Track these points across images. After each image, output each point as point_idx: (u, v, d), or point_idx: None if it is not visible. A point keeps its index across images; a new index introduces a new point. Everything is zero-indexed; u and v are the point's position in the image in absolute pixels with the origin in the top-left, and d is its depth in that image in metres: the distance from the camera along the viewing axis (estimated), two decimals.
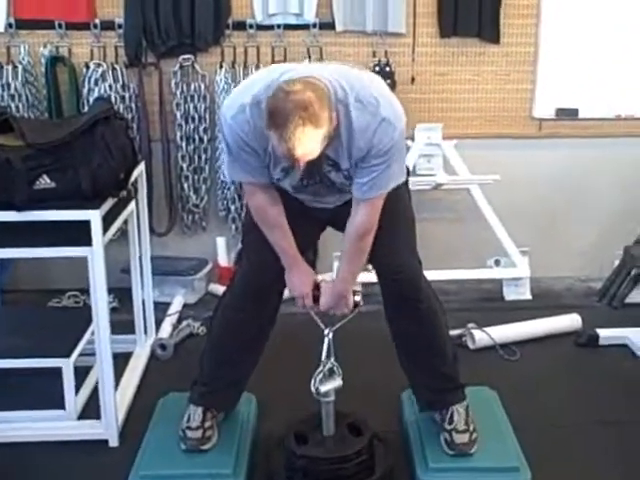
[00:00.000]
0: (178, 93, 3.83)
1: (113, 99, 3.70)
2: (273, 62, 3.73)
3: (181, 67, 3.81)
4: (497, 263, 4.01)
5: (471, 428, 2.54)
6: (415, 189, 3.64)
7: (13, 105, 3.70)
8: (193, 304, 3.88)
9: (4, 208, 2.49)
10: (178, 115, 3.85)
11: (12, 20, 3.72)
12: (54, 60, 3.74)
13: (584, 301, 3.90)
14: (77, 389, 2.78)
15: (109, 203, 2.66)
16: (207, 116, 3.86)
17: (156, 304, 3.50)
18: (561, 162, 4.07)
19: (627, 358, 3.33)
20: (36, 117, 3.77)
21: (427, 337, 2.54)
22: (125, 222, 3.05)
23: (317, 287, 2.42)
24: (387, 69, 3.81)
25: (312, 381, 2.39)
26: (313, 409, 2.48)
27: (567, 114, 4.01)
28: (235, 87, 2.79)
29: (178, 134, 3.88)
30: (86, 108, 3.64)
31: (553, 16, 3.88)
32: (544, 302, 3.92)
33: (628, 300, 3.34)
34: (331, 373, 2.40)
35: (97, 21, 3.74)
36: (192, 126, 3.88)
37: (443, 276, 3.82)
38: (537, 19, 3.89)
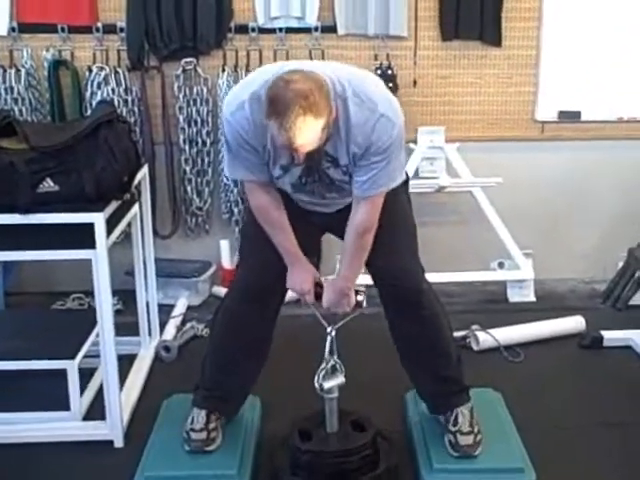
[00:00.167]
0: (181, 96, 3.84)
1: (116, 102, 3.70)
2: None
3: (183, 70, 3.82)
4: (501, 265, 4.01)
5: (476, 430, 2.54)
6: (418, 192, 3.68)
7: (16, 109, 3.70)
8: (197, 306, 3.89)
9: (8, 211, 2.49)
10: (181, 118, 3.86)
11: (15, 24, 3.73)
12: (57, 64, 3.75)
13: (588, 303, 3.90)
14: (82, 390, 2.78)
15: (113, 206, 2.66)
16: (210, 119, 3.86)
17: (160, 306, 3.50)
18: (564, 165, 4.08)
19: (631, 360, 3.32)
20: (39, 120, 3.78)
21: (430, 340, 2.54)
22: (129, 225, 3.05)
23: (319, 285, 2.42)
24: (389, 72, 3.82)
25: (315, 378, 2.40)
26: (317, 409, 2.48)
27: (569, 117, 4.01)
28: None
29: (181, 137, 3.89)
30: (89, 111, 3.65)
31: (555, 19, 3.89)
32: (548, 304, 3.92)
33: (632, 302, 3.34)
34: (334, 370, 2.42)
35: (99, 25, 3.75)
36: (195, 129, 3.88)
37: (447, 278, 3.83)
38: (539, 22, 3.89)
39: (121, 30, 3.74)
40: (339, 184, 2.28)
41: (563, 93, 3.99)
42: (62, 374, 2.70)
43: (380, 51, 3.85)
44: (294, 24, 3.82)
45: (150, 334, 3.38)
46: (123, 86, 3.77)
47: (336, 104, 2.05)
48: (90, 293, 2.98)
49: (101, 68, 3.74)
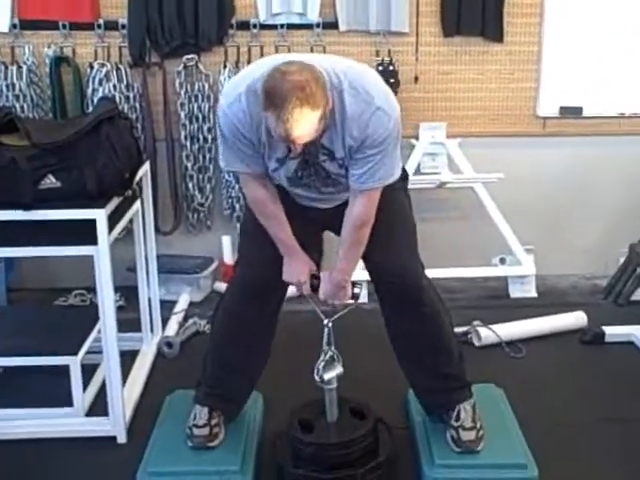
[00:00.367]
0: (182, 93, 3.84)
1: (117, 99, 3.70)
2: None
3: (185, 67, 3.82)
4: (502, 261, 4.01)
5: (478, 425, 2.54)
6: (419, 188, 3.69)
7: (18, 105, 3.71)
8: (199, 302, 3.90)
9: (10, 207, 2.50)
10: (182, 115, 3.86)
11: (16, 21, 3.73)
12: (58, 60, 3.75)
13: (589, 299, 3.90)
14: (85, 386, 2.79)
15: (114, 202, 2.66)
16: (211, 116, 3.86)
17: (162, 302, 3.51)
18: (565, 160, 4.08)
19: (633, 355, 3.33)
20: (41, 117, 3.78)
21: (431, 338, 2.53)
22: (130, 221, 3.06)
23: (316, 277, 2.43)
24: (390, 68, 3.82)
25: (315, 370, 2.42)
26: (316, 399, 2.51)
27: (571, 112, 4.01)
28: None
29: (182, 133, 3.89)
30: (90, 108, 3.65)
31: (557, 14, 3.88)
32: (549, 300, 3.92)
33: (634, 298, 3.34)
34: (332, 361, 2.44)
35: (101, 21, 3.74)
36: (196, 125, 3.88)
37: (448, 274, 3.84)
38: (540, 18, 3.89)
39: (123, 27, 3.74)
40: (335, 177, 2.28)
41: (565, 89, 3.99)
42: (65, 370, 2.71)
43: (382, 47, 3.85)
44: (295, 20, 3.82)
45: (152, 330, 3.38)
46: (124, 83, 3.77)
47: (332, 96, 2.05)
48: (92, 289, 3.00)
49: (102, 65, 3.74)
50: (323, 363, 2.43)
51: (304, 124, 1.96)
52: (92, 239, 2.51)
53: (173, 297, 3.85)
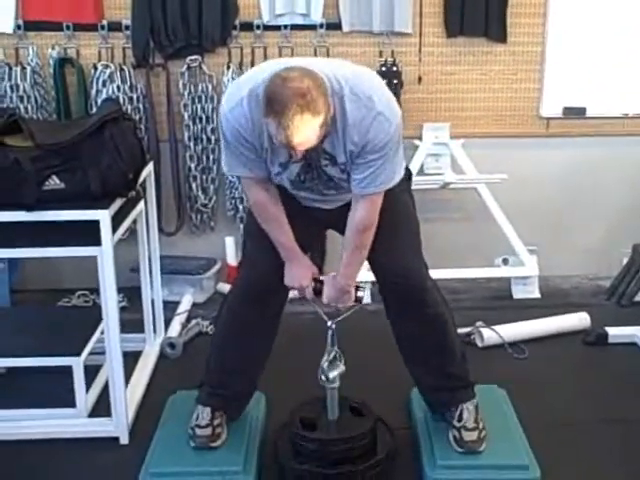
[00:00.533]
0: (186, 94, 3.85)
1: (121, 100, 3.71)
2: None
3: (188, 68, 3.82)
4: (505, 262, 4.01)
5: (480, 426, 2.54)
6: (423, 188, 3.69)
7: (22, 106, 3.72)
8: (202, 303, 3.90)
9: (14, 208, 2.50)
10: (186, 116, 3.87)
11: (20, 22, 3.74)
12: (62, 61, 3.76)
13: (593, 299, 3.90)
14: (87, 387, 2.80)
15: (118, 203, 2.67)
16: (214, 116, 3.86)
17: (165, 303, 3.52)
18: (569, 161, 4.07)
19: (636, 356, 3.32)
20: (45, 118, 3.78)
21: (435, 339, 2.54)
22: (134, 222, 3.06)
23: (319, 281, 2.44)
24: (394, 69, 3.82)
25: (319, 370, 2.45)
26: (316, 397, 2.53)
27: (574, 113, 4.01)
28: None
29: (186, 134, 3.90)
30: (94, 109, 3.65)
31: (560, 15, 3.88)
32: (552, 301, 3.92)
33: (637, 298, 3.34)
34: (335, 360, 2.46)
35: (105, 22, 3.75)
36: (200, 126, 3.89)
37: (451, 275, 3.83)
38: (544, 18, 3.89)
39: (126, 28, 3.75)
40: (337, 182, 2.28)
41: (568, 89, 3.99)
42: (68, 371, 2.71)
43: (385, 48, 3.85)
44: (299, 21, 3.82)
45: (155, 331, 3.39)
46: (128, 84, 3.78)
47: (333, 102, 2.05)
48: (95, 290, 3.00)
49: (106, 66, 3.75)
50: (327, 363, 2.45)
51: (305, 131, 1.96)
52: (96, 240, 2.52)
53: (176, 298, 3.85)
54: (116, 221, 2.63)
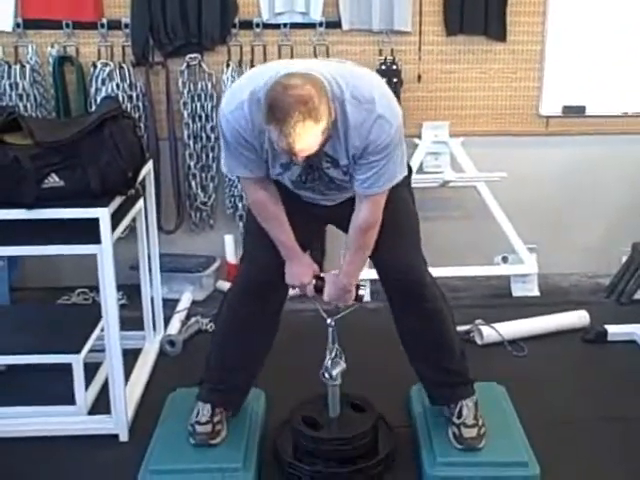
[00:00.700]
0: (185, 92, 3.85)
1: (120, 98, 3.70)
2: None
3: (188, 66, 3.82)
4: (505, 260, 4.01)
5: (480, 423, 2.55)
6: (422, 187, 3.69)
7: (21, 104, 3.71)
8: (201, 301, 3.90)
9: (14, 206, 2.51)
10: (185, 114, 3.87)
11: (20, 20, 3.73)
12: (61, 60, 3.76)
13: (592, 297, 3.90)
14: (87, 385, 2.80)
15: (117, 201, 2.67)
16: (214, 115, 3.85)
17: (165, 301, 3.52)
18: (568, 159, 4.07)
19: (635, 354, 3.33)
20: (44, 116, 3.78)
21: (434, 334, 2.55)
22: (133, 220, 3.06)
23: (320, 278, 2.44)
24: (393, 67, 3.81)
25: (322, 367, 2.47)
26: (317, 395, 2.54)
27: (574, 111, 4.00)
28: None
29: (185, 132, 3.90)
30: (93, 107, 3.65)
31: (560, 13, 3.88)
32: (552, 298, 3.92)
33: (636, 296, 3.34)
34: (336, 358, 2.48)
35: (104, 21, 3.75)
36: (199, 124, 3.89)
37: (451, 273, 3.84)
38: (544, 17, 3.88)
39: (126, 26, 3.75)
40: (339, 183, 2.29)
41: (568, 88, 3.99)
42: (67, 368, 2.72)
43: (385, 46, 3.85)
44: (298, 19, 3.82)
45: (155, 328, 3.39)
46: (128, 82, 3.78)
47: (334, 106, 2.04)
48: (95, 288, 3.00)
49: (106, 64, 3.74)
50: (330, 361, 2.47)
51: (307, 138, 1.96)
52: (95, 238, 2.52)
53: (176, 296, 3.85)
54: (116, 219, 2.63)
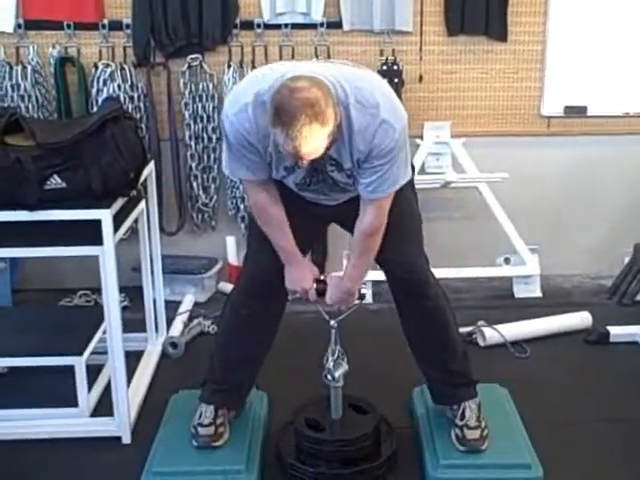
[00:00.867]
0: (186, 93, 3.85)
1: (122, 99, 3.71)
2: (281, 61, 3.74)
3: (189, 67, 3.82)
4: (507, 261, 4.01)
5: (483, 424, 2.55)
6: (424, 187, 3.67)
7: (23, 105, 3.71)
8: (204, 303, 3.90)
9: (15, 208, 2.50)
10: (187, 115, 3.87)
11: (21, 21, 3.73)
12: (63, 60, 3.76)
13: (594, 298, 3.89)
14: (89, 387, 2.79)
15: (119, 202, 2.67)
16: (215, 115, 3.85)
17: (167, 303, 3.51)
18: (570, 160, 4.07)
19: (638, 355, 3.32)
20: (45, 117, 3.78)
21: (436, 334, 2.56)
22: (135, 221, 3.06)
23: (321, 281, 2.44)
24: (395, 68, 3.81)
25: (325, 369, 2.47)
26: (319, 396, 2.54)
27: (575, 112, 4.00)
28: None
29: (187, 133, 3.89)
30: (95, 108, 3.65)
31: (561, 14, 3.88)
32: (554, 300, 3.91)
33: (638, 297, 3.34)
34: (339, 359, 2.49)
35: (105, 21, 3.75)
36: (201, 125, 3.89)
37: (453, 274, 3.83)
38: (545, 17, 3.88)
39: (127, 27, 3.75)
40: (343, 186, 2.28)
41: (569, 88, 3.98)
42: (70, 371, 2.71)
43: (386, 46, 3.85)
44: (300, 20, 3.82)
45: (157, 330, 3.39)
46: (129, 83, 3.78)
47: (339, 110, 2.04)
48: (97, 290, 3.00)
49: (107, 65, 3.74)
50: (332, 362, 2.47)
51: (313, 141, 1.96)
52: (97, 239, 2.52)
53: (178, 297, 3.85)
54: (117, 220, 2.62)
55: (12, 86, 3.72)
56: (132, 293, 3.52)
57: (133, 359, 3.04)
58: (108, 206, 2.54)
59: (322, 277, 2.45)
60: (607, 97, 3.98)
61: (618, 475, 2.55)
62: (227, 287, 3.87)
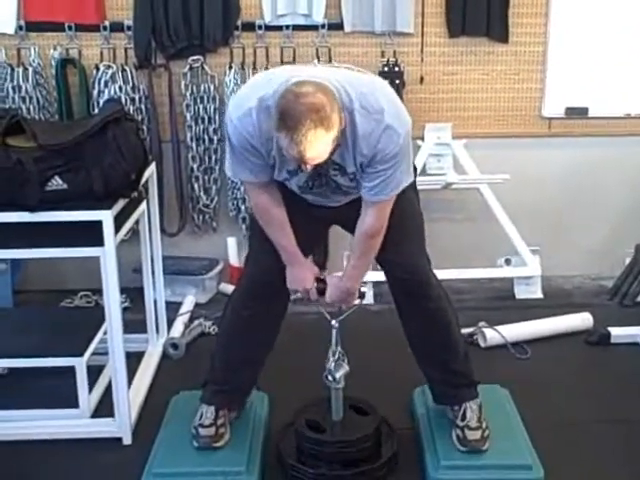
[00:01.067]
0: (188, 94, 3.85)
1: (123, 100, 3.71)
2: (282, 63, 3.74)
3: (190, 68, 3.82)
4: (508, 262, 4.01)
5: (484, 425, 2.55)
6: (425, 189, 3.67)
7: (24, 107, 3.72)
8: (204, 304, 3.90)
9: (17, 209, 2.50)
10: (188, 116, 3.87)
11: (22, 22, 3.73)
12: (64, 62, 3.76)
13: (595, 299, 3.90)
14: (90, 388, 2.79)
15: (121, 204, 2.67)
16: (217, 117, 3.86)
17: (168, 304, 3.51)
18: (571, 161, 4.07)
19: (639, 356, 3.32)
20: (47, 119, 3.79)
21: (437, 335, 2.56)
22: (136, 222, 3.06)
23: (322, 281, 2.44)
24: (396, 69, 3.81)
25: (326, 370, 2.47)
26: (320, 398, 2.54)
27: (577, 113, 4.00)
28: None
29: (188, 135, 3.90)
30: (96, 110, 3.66)
31: (562, 15, 3.88)
32: (555, 301, 3.91)
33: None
34: (339, 360, 2.49)
35: (107, 23, 3.75)
36: (202, 127, 3.89)
37: (454, 275, 3.83)
38: (546, 18, 3.88)
39: (128, 28, 3.75)
40: (346, 189, 2.29)
41: (570, 89, 3.98)
42: (70, 371, 2.71)
43: (387, 48, 3.85)
44: (301, 21, 3.82)
45: (158, 331, 3.39)
46: (130, 84, 3.78)
47: (344, 115, 2.04)
48: (98, 291, 3.00)
49: (108, 66, 3.75)
50: (333, 363, 2.48)
51: (318, 146, 1.96)
52: (98, 240, 2.52)
53: (179, 298, 3.85)
54: (119, 222, 2.63)
55: (13, 88, 3.72)
56: (133, 294, 3.52)
57: (134, 360, 3.04)
58: (109, 207, 2.54)
59: (322, 276, 2.46)
60: (608, 98, 3.98)
61: (619, 476, 2.55)
62: (228, 288, 3.87)
